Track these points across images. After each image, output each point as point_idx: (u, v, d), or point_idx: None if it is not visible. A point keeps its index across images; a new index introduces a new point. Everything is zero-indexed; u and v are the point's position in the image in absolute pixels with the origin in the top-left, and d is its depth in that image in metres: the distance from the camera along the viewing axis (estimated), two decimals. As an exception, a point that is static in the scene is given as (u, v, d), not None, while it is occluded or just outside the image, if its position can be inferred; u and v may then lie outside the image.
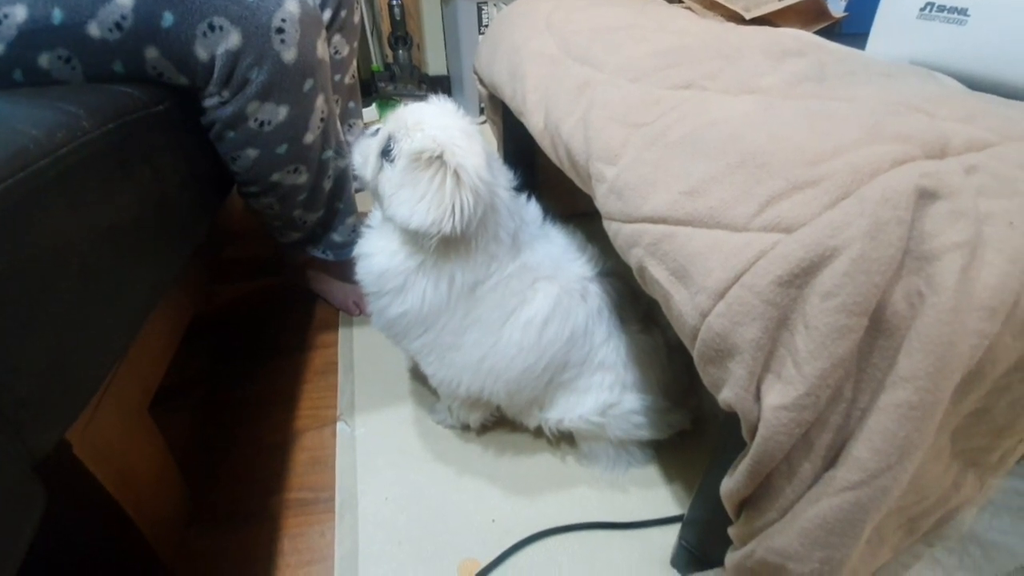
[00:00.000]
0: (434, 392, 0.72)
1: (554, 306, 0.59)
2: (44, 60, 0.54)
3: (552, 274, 0.60)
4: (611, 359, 0.63)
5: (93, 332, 0.42)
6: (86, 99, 0.48)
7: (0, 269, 0.33)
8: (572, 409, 0.64)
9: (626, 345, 0.63)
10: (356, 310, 0.96)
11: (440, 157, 0.51)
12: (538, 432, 0.73)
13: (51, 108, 0.44)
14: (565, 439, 0.72)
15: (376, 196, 0.60)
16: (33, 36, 0.53)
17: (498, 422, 0.74)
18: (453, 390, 0.63)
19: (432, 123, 0.54)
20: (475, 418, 0.71)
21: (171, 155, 0.58)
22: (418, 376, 0.83)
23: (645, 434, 0.66)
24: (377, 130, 0.60)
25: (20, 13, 0.52)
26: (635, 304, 0.66)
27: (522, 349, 0.58)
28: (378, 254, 0.59)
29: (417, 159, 0.52)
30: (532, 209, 0.64)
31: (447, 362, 0.61)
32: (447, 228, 0.51)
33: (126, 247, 0.48)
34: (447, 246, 0.55)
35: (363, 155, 0.59)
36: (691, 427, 0.70)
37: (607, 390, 0.63)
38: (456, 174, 0.51)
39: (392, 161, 0.55)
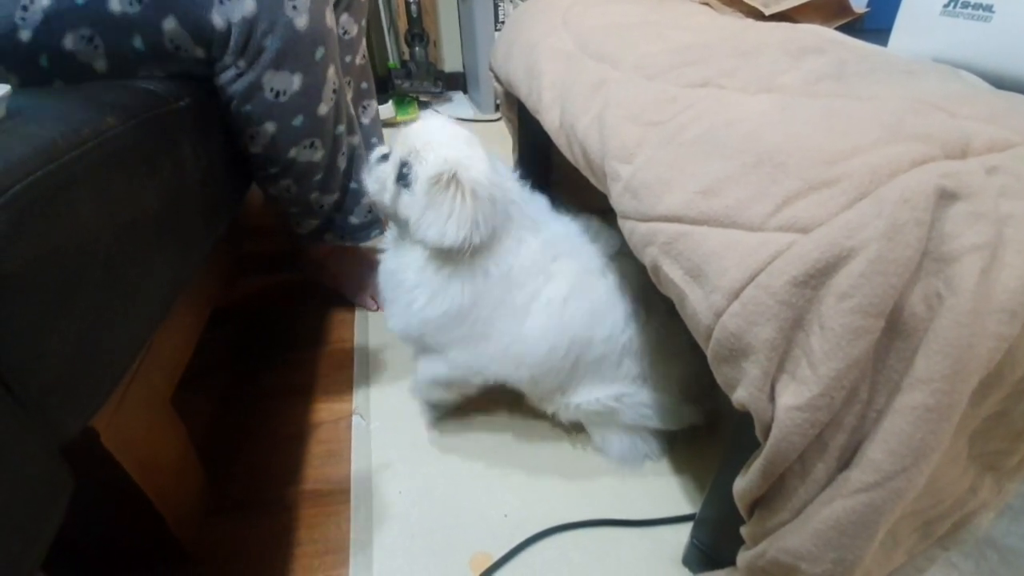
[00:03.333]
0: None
1: (574, 282, 0.60)
2: (69, 41, 0.56)
3: (572, 251, 0.62)
4: (635, 344, 0.63)
5: (116, 322, 0.43)
6: (110, 95, 0.49)
7: (27, 259, 0.34)
8: (591, 393, 0.65)
9: (648, 333, 0.63)
10: (373, 305, 0.98)
11: (455, 176, 0.54)
12: (552, 427, 0.73)
13: (77, 104, 0.45)
14: (579, 430, 0.72)
15: (395, 220, 0.63)
16: (58, 18, 0.54)
17: (511, 417, 0.75)
18: (471, 376, 0.64)
19: (439, 141, 0.57)
20: (452, 401, 0.73)
21: (193, 150, 0.59)
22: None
23: (656, 424, 0.66)
24: (386, 155, 0.62)
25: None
26: (658, 291, 0.66)
27: (546, 330, 0.59)
28: (406, 270, 0.61)
29: (437, 182, 0.55)
30: (539, 197, 0.66)
31: (477, 352, 0.62)
32: (477, 239, 0.55)
33: (149, 240, 0.49)
34: (477, 249, 0.57)
35: (379, 182, 0.62)
36: (704, 424, 0.69)
37: (630, 382, 0.64)
38: (473, 190, 0.54)
39: (409, 186, 0.58)
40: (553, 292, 0.59)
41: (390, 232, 0.68)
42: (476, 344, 0.61)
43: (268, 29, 0.61)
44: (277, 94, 0.67)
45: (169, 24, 0.57)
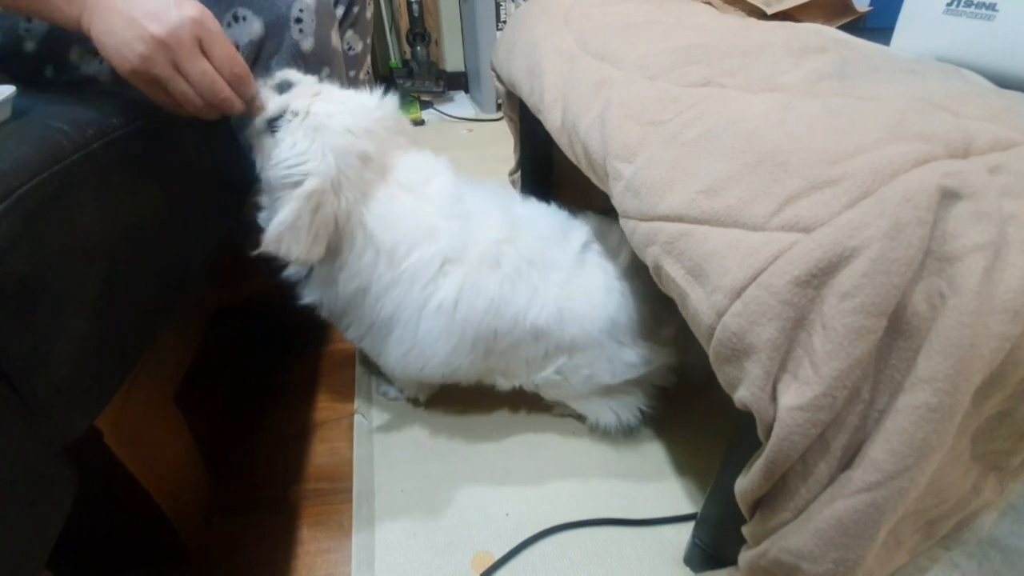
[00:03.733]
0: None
1: (460, 287, 0.59)
2: (74, 54, 0.56)
3: (460, 253, 0.59)
4: (544, 320, 0.61)
5: (121, 321, 0.44)
6: (115, 96, 0.49)
7: (33, 260, 0.34)
8: (531, 376, 0.67)
9: (565, 292, 0.62)
10: None
11: (316, 190, 0.53)
12: (553, 426, 0.73)
13: (82, 105, 0.45)
14: (580, 429, 0.72)
15: (249, 147, 0.60)
16: (63, 32, 0.54)
17: (512, 416, 0.75)
18: (397, 376, 0.67)
19: (326, 139, 0.54)
20: (423, 395, 0.76)
21: (196, 150, 0.60)
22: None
23: (626, 375, 0.66)
24: (286, 85, 0.58)
25: None
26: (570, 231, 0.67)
27: (441, 333, 0.60)
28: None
29: (304, 193, 0.53)
30: (443, 188, 0.62)
31: (387, 353, 0.63)
32: (312, 258, 0.55)
33: (153, 240, 0.49)
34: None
35: (261, 99, 0.57)
36: (677, 365, 0.70)
37: (550, 358, 0.65)
38: (332, 213, 0.54)
39: (275, 136, 0.55)
40: (440, 298, 0.59)
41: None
42: (380, 346, 0.64)
43: (275, 51, 0.62)
44: None
45: None
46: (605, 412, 0.70)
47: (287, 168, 0.54)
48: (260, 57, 0.62)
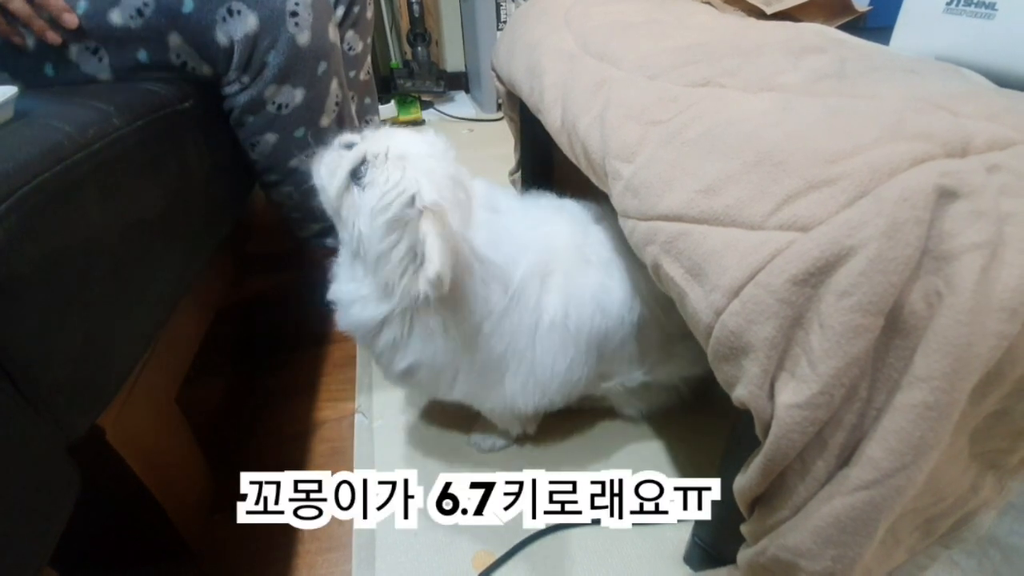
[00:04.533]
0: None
1: (566, 296, 0.57)
2: (73, 52, 0.56)
3: (551, 265, 0.57)
4: (645, 316, 0.61)
5: (123, 321, 0.44)
6: (116, 97, 0.49)
7: (36, 260, 0.34)
8: (627, 374, 0.65)
9: (651, 296, 0.61)
10: None
11: (423, 213, 0.47)
12: (555, 424, 0.73)
13: (83, 105, 0.46)
14: (584, 426, 0.72)
15: (336, 218, 0.55)
16: (63, 29, 0.55)
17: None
18: (514, 415, 0.62)
19: (416, 165, 0.49)
20: (532, 427, 0.70)
21: (197, 150, 0.60)
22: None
23: (682, 374, 0.68)
24: (353, 145, 0.54)
25: None
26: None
27: (558, 351, 0.58)
28: (353, 304, 0.54)
29: (398, 221, 0.48)
30: (504, 198, 0.60)
31: (496, 396, 0.59)
32: (433, 295, 0.46)
33: (154, 240, 0.49)
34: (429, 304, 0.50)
35: (330, 168, 0.53)
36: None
37: (655, 351, 0.64)
38: (439, 237, 0.46)
39: (362, 186, 0.50)
40: (551, 316, 0.56)
41: (342, 249, 0.58)
42: (490, 391, 0.58)
43: (271, 45, 0.62)
44: (279, 107, 0.67)
45: (174, 40, 0.58)
46: (635, 403, 0.70)
47: (389, 202, 0.48)
48: (255, 52, 0.61)
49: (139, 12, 0.55)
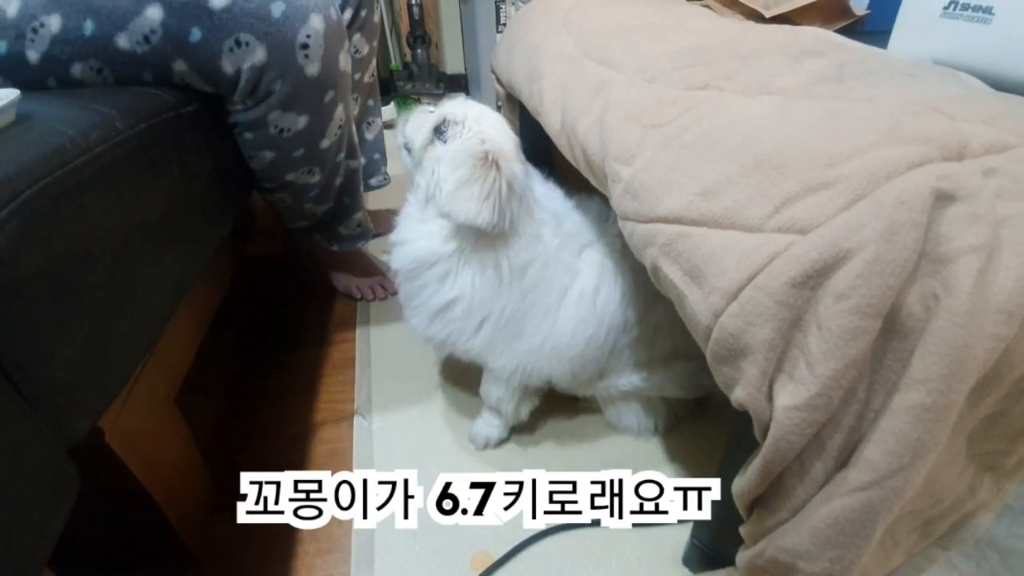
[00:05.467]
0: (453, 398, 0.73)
1: (601, 270, 0.61)
2: (77, 70, 0.56)
3: (594, 238, 0.62)
4: (666, 319, 0.63)
5: (124, 323, 0.44)
6: (118, 100, 0.49)
7: (38, 263, 0.34)
8: (628, 376, 0.66)
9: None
10: (358, 294, 1.01)
11: (497, 162, 0.55)
12: (554, 425, 0.73)
13: (86, 109, 0.46)
14: (583, 427, 0.73)
15: (417, 170, 0.63)
16: (66, 46, 0.55)
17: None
18: (520, 379, 0.64)
19: (488, 124, 0.59)
20: (525, 411, 0.71)
21: (198, 154, 0.60)
22: (434, 374, 0.84)
23: (679, 394, 0.68)
24: (435, 109, 0.63)
25: (54, 23, 0.54)
26: None
27: (580, 321, 0.60)
28: (418, 239, 0.60)
29: (484, 160, 0.55)
30: (553, 187, 0.66)
31: (513, 350, 0.61)
32: (504, 225, 0.55)
33: (155, 242, 0.49)
34: (488, 234, 0.57)
35: (416, 125, 0.63)
36: (715, 390, 0.71)
37: (662, 358, 0.65)
38: (510, 182, 0.55)
39: (444, 140, 0.59)
40: (583, 285, 0.60)
41: (409, 201, 0.66)
42: (508, 344, 0.61)
43: (278, 76, 0.61)
44: (281, 130, 0.67)
45: (179, 66, 0.57)
46: (630, 417, 0.71)
47: (470, 149, 0.56)
48: (262, 81, 0.60)
49: (146, 39, 0.55)
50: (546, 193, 0.62)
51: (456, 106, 0.61)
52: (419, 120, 0.63)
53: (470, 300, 0.59)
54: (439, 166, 0.58)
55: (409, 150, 0.64)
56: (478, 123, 0.58)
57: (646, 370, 0.66)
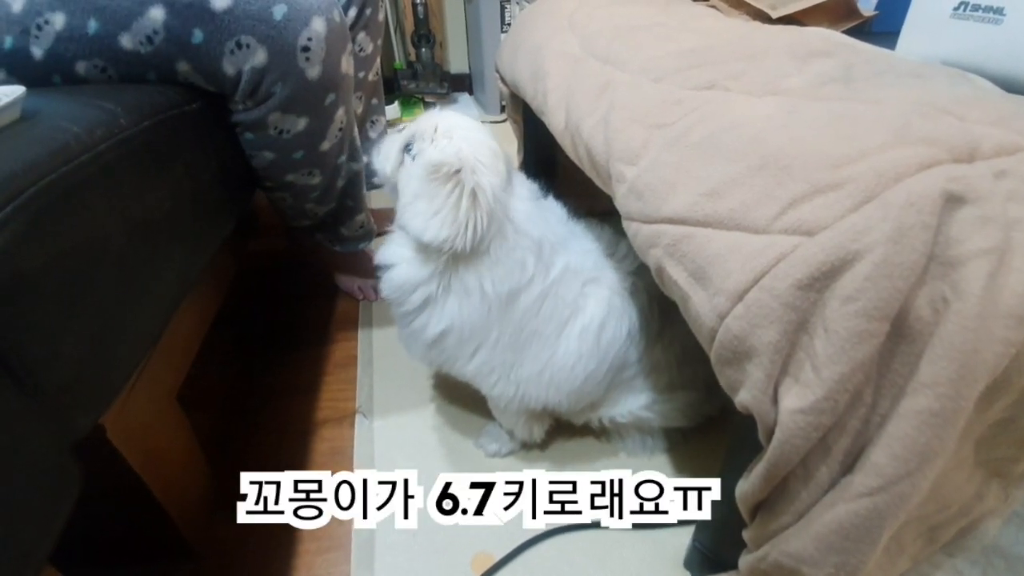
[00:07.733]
0: (456, 401, 0.73)
1: (607, 309, 0.59)
2: (81, 68, 0.56)
3: (597, 275, 0.60)
4: (665, 359, 0.63)
5: (128, 320, 0.44)
6: (123, 97, 0.49)
7: (43, 260, 0.34)
8: (624, 406, 0.65)
9: (676, 340, 0.63)
10: (361, 295, 1.01)
11: (458, 173, 0.51)
12: (552, 426, 0.73)
13: (91, 106, 0.46)
14: (585, 430, 0.72)
15: (393, 193, 0.61)
16: (70, 44, 0.55)
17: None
18: (519, 407, 0.62)
19: (461, 136, 0.54)
20: (539, 431, 0.69)
21: (202, 151, 0.60)
22: (435, 375, 0.84)
23: (678, 423, 0.68)
24: (404, 128, 0.61)
25: (59, 20, 0.54)
26: None
27: (581, 356, 0.58)
28: (398, 264, 0.58)
29: (436, 172, 0.52)
30: (557, 210, 0.63)
31: (511, 379, 0.60)
32: (459, 245, 0.51)
33: (159, 239, 0.49)
34: (462, 257, 0.54)
35: (386, 151, 0.61)
36: (717, 414, 0.71)
37: (660, 392, 0.65)
38: (473, 193, 0.51)
39: (413, 157, 0.56)
40: (586, 321, 0.58)
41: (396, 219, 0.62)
42: (507, 372, 0.59)
43: (278, 78, 0.61)
44: (281, 132, 0.67)
45: (183, 67, 0.57)
46: (630, 441, 0.71)
47: (436, 162, 0.52)
48: (262, 83, 0.60)
49: (149, 39, 0.55)
50: (535, 215, 0.57)
51: (426, 120, 0.58)
52: (387, 146, 0.61)
53: (460, 330, 0.57)
54: (409, 185, 0.56)
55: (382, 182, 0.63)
56: (447, 135, 0.55)
57: (643, 401, 0.65)
